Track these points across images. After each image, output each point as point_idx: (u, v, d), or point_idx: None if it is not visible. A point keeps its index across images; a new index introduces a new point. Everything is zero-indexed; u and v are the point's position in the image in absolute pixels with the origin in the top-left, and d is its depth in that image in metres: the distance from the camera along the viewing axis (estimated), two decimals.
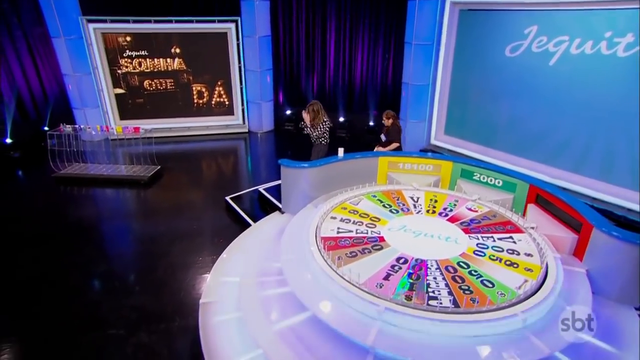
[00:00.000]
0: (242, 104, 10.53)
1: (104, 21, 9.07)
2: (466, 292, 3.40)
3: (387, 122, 6.07)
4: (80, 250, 5.34)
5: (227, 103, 10.52)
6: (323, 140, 6.07)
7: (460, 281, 3.55)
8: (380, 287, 3.46)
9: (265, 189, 6.63)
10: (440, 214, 4.76)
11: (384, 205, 4.90)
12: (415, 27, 7.94)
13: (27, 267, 5.03)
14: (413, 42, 8.11)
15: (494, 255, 3.92)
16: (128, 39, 9.43)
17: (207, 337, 3.72)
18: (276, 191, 6.46)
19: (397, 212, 4.77)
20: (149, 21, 9.24)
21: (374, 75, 10.22)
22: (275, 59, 10.43)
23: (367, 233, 4.29)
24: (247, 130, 10.68)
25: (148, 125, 8.46)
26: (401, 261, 3.84)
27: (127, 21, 9.16)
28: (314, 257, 3.85)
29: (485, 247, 4.07)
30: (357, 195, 5.13)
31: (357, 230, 4.34)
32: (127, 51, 9.53)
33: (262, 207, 6.27)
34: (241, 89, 10.36)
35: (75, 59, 9.08)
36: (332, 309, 3.42)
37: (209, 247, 5.38)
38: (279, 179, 5.68)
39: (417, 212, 4.79)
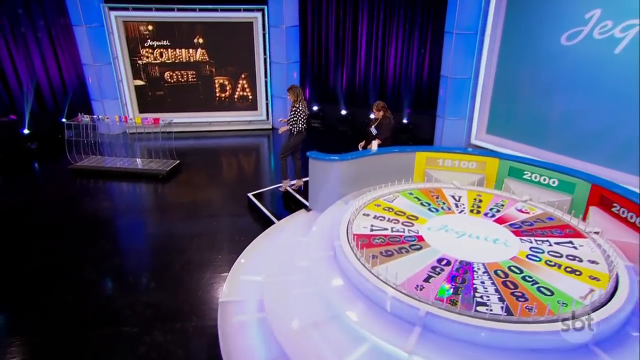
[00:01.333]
0: (266, 99, 10.55)
1: (126, 9, 9.31)
2: (520, 299, 3.18)
3: (377, 113, 5.85)
4: (94, 244, 5.44)
5: (250, 97, 10.57)
6: (294, 130, 6.01)
7: (512, 287, 3.33)
8: (421, 289, 3.28)
9: (290, 186, 6.54)
10: (485, 214, 4.54)
11: (421, 204, 4.71)
12: (457, 15, 7.75)
13: (40, 258, 5.14)
14: (454, 31, 7.92)
15: (551, 261, 3.68)
16: (150, 28, 9.63)
17: (227, 338, 3.63)
18: (303, 188, 6.46)
19: (437, 210, 4.58)
20: (172, 9, 9.42)
21: (408, 69, 10.06)
22: (302, 51, 10.44)
23: (403, 232, 4.12)
24: (270, 127, 10.69)
25: (169, 119, 8.53)
26: (443, 263, 3.65)
27: (150, 9, 9.36)
28: (346, 255, 3.71)
29: (541, 251, 3.83)
30: (391, 192, 4.95)
31: (392, 228, 4.18)
32: (149, 41, 9.73)
33: (287, 205, 6.26)
34: (266, 82, 10.39)
35: (95, 49, 9.35)
36: (365, 312, 3.26)
37: (229, 244, 5.39)
38: (306, 176, 5.68)
39: (460, 212, 4.59)
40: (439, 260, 3.68)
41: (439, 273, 3.50)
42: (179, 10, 9.44)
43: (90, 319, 4.16)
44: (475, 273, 3.51)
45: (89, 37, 9.19)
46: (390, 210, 4.54)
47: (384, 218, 4.37)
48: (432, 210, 4.58)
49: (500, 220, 4.40)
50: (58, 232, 5.75)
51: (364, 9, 9.95)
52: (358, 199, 4.67)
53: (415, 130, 9.82)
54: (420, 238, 4.02)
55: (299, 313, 3.51)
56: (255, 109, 10.67)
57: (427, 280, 3.41)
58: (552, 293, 3.24)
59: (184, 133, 9.89)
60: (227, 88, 10.45)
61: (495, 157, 5.35)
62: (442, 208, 4.65)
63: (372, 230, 4.13)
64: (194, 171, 7.96)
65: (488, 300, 3.16)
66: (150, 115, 7.76)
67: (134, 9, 9.35)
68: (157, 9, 9.39)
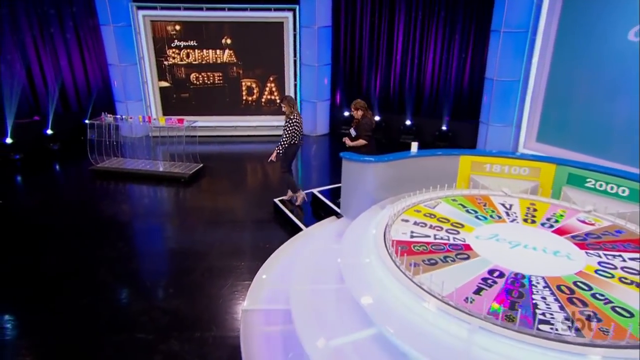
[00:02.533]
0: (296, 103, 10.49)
1: (154, 8, 9.55)
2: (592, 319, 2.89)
3: (356, 113, 5.68)
4: (111, 246, 5.48)
5: (278, 101, 10.54)
6: (294, 141, 6.01)
7: (581, 305, 3.04)
8: (471, 302, 3.04)
9: (320, 192, 6.45)
10: (542, 224, 4.26)
11: (467, 211, 4.50)
12: (506, 12, 7.54)
13: (54, 260, 5.20)
14: (502, 29, 7.70)
15: (626, 278, 3.36)
16: (177, 27, 9.85)
17: (249, 349, 3.48)
18: (331, 194, 6.37)
19: (485, 219, 4.34)
20: (201, 9, 9.60)
21: (448, 73, 9.86)
22: (334, 53, 10.42)
23: (448, 239, 3.90)
24: None
25: (193, 123, 8.58)
26: (495, 274, 3.40)
27: (178, 8, 9.57)
28: (383, 262, 3.53)
29: (612, 267, 3.52)
30: (432, 198, 4.76)
31: (435, 235, 3.99)
32: (176, 41, 9.94)
33: (315, 212, 6.21)
34: (295, 85, 10.40)
35: (122, 49, 9.62)
36: (405, 325, 3.04)
37: (253, 251, 5.32)
38: (335, 183, 5.63)
39: (512, 221, 4.33)
40: (491, 272, 3.44)
41: (491, 285, 3.26)
42: (208, 9, 9.62)
43: (104, 324, 4.11)
44: (534, 287, 3.24)
45: (116, 36, 9.47)
46: (432, 216, 4.36)
47: (425, 224, 4.20)
48: (479, 218, 4.35)
49: (560, 232, 4.12)
50: (75, 233, 5.83)
51: (401, 9, 9.88)
52: (396, 203, 4.50)
53: (456, 138, 9.58)
54: (468, 247, 3.80)
55: (331, 325, 3.32)
56: (284, 113, 10.62)
57: (477, 292, 3.17)
58: (632, 314, 2.93)
59: (207, 138, 9.96)
60: (255, 91, 10.52)
61: (552, 163, 5.05)
62: (491, 216, 4.41)
63: (412, 236, 3.98)
64: (218, 176, 7.98)
65: (552, 318, 2.89)
66: (175, 117, 7.86)
67: (162, 8, 9.59)
68: (186, 8, 9.58)
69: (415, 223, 4.22)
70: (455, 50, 9.60)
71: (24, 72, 9.18)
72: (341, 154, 5.22)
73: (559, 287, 3.24)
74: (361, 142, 5.61)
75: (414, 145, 5.23)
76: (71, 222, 6.15)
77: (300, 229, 5.53)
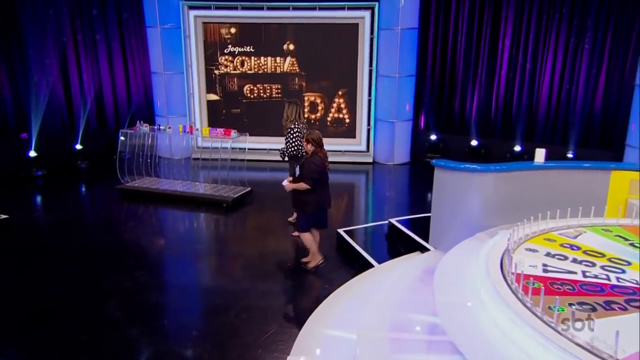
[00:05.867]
0: (368, 123, 10.18)
1: (208, 7, 9.79)
2: None
3: (307, 147, 5.18)
4: (127, 275, 5.37)
5: (347, 120, 10.30)
6: (296, 153, 6.28)
7: None
8: None
9: (399, 221, 6.06)
10: None
11: (632, 245, 3.73)
12: None
13: (57, 286, 5.16)
14: None
15: None
16: (232, 30, 9.98)
17: None
18: (411, 225, 6.03)
19: None
20: (261, 8, 9.71)
21: (573, 91, 9.04)
22: (420, 63, 10.10)
23: (608, 279, 3.14)
24: (371, 161, 10.22)
25: (242, 144, 8.40)
26: None
27: (235, 7, 9.74)
28: (504, 301, 2.84)
29: None
30: (571, 225, 4.08)
31: (585, 272, 3.29)
32: (230, 46, 10.05)
33: (392, 247, 5.95)
34: (369, 101, 10.08)
35: (168, 54, 9.87)
36: None
37: (307, 290, 5.22)
38: (418, 212, 5.78)
39: None
40: None
41: None
42: (269, 9, 9.69)
43: None
44: None
45: (162, 40, 9.74)
46: (576, 248, 3.74)
47: (566, 257, 3.59)
48: None
49: None
50: (87, 257, 5.81)
51: (510, 10, 9.38)
52: (516, 228, 3.82)
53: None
54: None
55: None
56: (353, 136, 10.32)
57: None
58: None
59: (258, 162, 9.80)
60: (319, 108, 10.30)
61: None
62: None
63: (546, 271, 3.32)
64: (267, 202, 7.77)
65: None
66: (220, 129, 7.69)
67: (217, 8, 9.80)
68: (244, 8, 9.72)
69: (549, 254, 3.59)
70: (584, 62, 8.81)
71: (61, 79, 9.58)
72: (433, 162, 4.91)
73: None
74: (302, 185, 5.10)
75: (540, 153, 4.63)
76: (85, 244, 6.15)
77: (370, 265, 5.20)
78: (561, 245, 3.72)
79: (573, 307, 2.71)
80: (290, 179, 5.37)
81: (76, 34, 9.70)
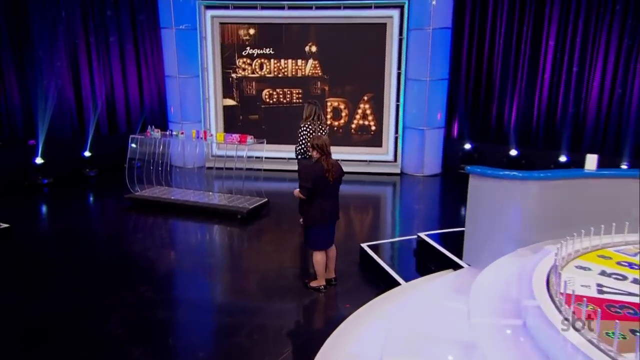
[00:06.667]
0: (396, 131, 10.10)
1: (226, 7, 9.87)
2: None
3: (312, 153, 5.07)
4: (131, 289, 5.31)
5: (373, 128, 10.26)
6: (306, 155, 6.26)
7: None
8: None
9: (429, 235, 5.97)
10: None
11: None
12: None
13: (55, 300, 5.11)
14: None
15: None
16: (251, 31, 10.03)
17: None
18: (442, 240, 5.95)
19: None
20: (282, 7, 9.75)
21: (627, 97, 8.75)
22: (453, 65, 10.04)
23: None
24: (398, 172, 10.11)
25: (259, 152, 8.37)
26: None
27: (255, 7, 9.79)
28: (553, 326, 2.70)
29: None
30: (629, 241, 3.96)
31: None
32: (248, 49, 10.12)
33: (421, 264, 5.85)
34: (397, 107, 10.02)
35: (183, 57, 9.97)
36: None
37: (326, 309, 5.10)
38: (449, 226, 5.85)
39: None
40: None
41: None
42: (290, 8, 9.72)
43: None
44: None
45: (177, 41, 9.84)
46: (636, 267, 3.65)
47: (624, 277, 3.37)
48: None
49: None
50: (89, 269, 5.79)
51: (554, 8, 9.21)
52: (565, 243, 3.65)
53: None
54: None
55: None
56: (380, 144, 10.27)
57: None
58: None
59: (277, 172, 9.76)
60: (343, 114, 10.27)
61: None
62: None
63: (601, 292, 3.14)
64: (285, 214, 7.71)
65: None
66: (236, 134, 7.65)
67: (235, 7, 9.87)
68: (263, 7, 9.76)
69: (604, 273, 3.40)
70: None
71: (71, 83, 9.72)
72: (468, 168, 4.81)
73: None
74: (297, 193, 5.01)
75: (591, 159, 4.55)
76: (88, 256, 6.15)
77: (397, 283, 5.11)
78: (618, 263, 3.54)
79: (637, 334, 2.47)
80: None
81: (88, 36, 9.86)
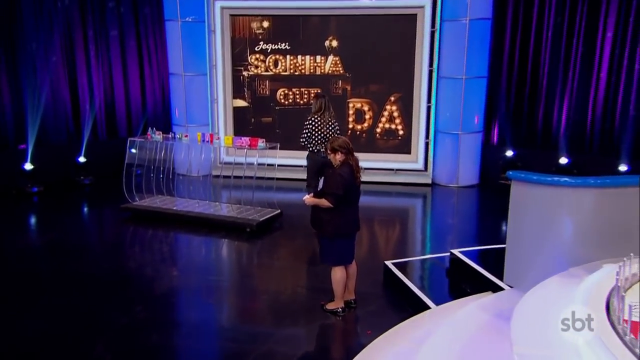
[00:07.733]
0: (427, 136, 10.03)
1: None
2: None
3: (333, 157, 5.11)
4: (124, 309, 5.41)
5: (401, 132, 10.19)
6: (311, 147, 6.98)
7: None
8: None
9: (464, 253, 5.94)
10: None
11: None
12: None
13: (38, 321, 5.19)
14: None
15: None
16: (265, 24, 10.06)
17: None
18: (480, 258, 5.96)
19: None
20: None
21: None
22: (494, 62, 9.99)
23: None
24: (429, 182, 10.03)
25: (272, 159, 8.29)
26: None
27: None
28: (614, 358, 2.61)
29: None
30: None
31: None
32: (261, 43, 10.15)
33: (455, 285, 5.86)
34: (428, 108, 9.94)
35: (189, 53, 10.02)
36: None
37: (344, 336, 5.15)
38: (487, 243, 6.01)
39: None
40: None
41: None
42: None
43: None
44: None
45: (183, 35, 9.90)
46: None
47: None
48: None
49: None
50: (78, 287, 5.89)
51: (610, 2, 9.06)
52: (627, 261, 3.51)
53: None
54: None
55: None
56: (408, 151, 10.20)
57: None
58: None
59: (291, 181, 9.70)
60: (367, 116, 10.23)
61: None
62: None
63: None
64: (300, 227, 7.67)
65: None
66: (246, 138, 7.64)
67: None
68: None
69: None
70: None
71: (67, 80, 9.83)
72: (508, 173, 4.81)
73: None
74: (324, 202, 4.98)
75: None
76: (79, 271, 6.25)
77: (426, 307, 5.12)
78: None
79: None
80: (312, 193, 5.38)
81: (87, 29, 9.99)
